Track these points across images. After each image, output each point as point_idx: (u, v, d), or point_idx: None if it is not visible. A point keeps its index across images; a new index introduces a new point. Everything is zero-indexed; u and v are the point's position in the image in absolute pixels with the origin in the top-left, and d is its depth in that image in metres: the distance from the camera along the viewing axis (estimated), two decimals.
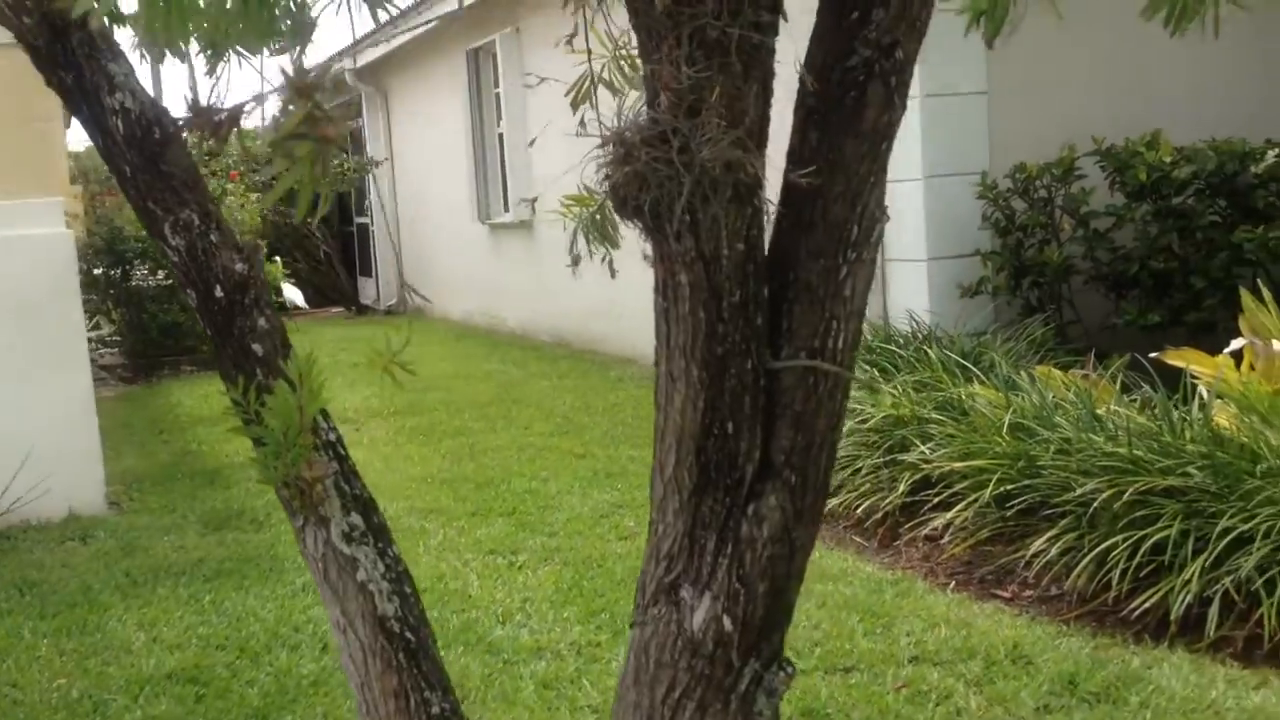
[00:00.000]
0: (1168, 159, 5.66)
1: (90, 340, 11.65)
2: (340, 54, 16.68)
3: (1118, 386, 4.91)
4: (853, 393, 5.55)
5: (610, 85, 2.08)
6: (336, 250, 17.29)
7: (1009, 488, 4.49)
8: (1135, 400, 4.71)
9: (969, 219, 6.27)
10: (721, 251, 1.51)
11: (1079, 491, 4.22)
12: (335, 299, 17.62)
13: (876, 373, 5.55)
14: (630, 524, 5.31)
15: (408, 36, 14.09)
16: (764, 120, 1.52)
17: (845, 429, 5.26)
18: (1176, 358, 4.98)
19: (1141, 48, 6.64)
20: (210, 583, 4.69)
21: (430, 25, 13.18)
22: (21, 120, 5.43)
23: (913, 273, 6.52)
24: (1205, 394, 4.67)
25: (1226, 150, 5.74)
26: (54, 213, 5.54)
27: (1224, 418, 4.51)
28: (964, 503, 4.59)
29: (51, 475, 5.46)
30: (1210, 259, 5.69)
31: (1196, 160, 5.70)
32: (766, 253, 1.64)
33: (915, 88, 6.25)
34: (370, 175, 17.16)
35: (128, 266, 11.02)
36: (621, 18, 1.69)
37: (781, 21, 1.53)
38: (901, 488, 4.85)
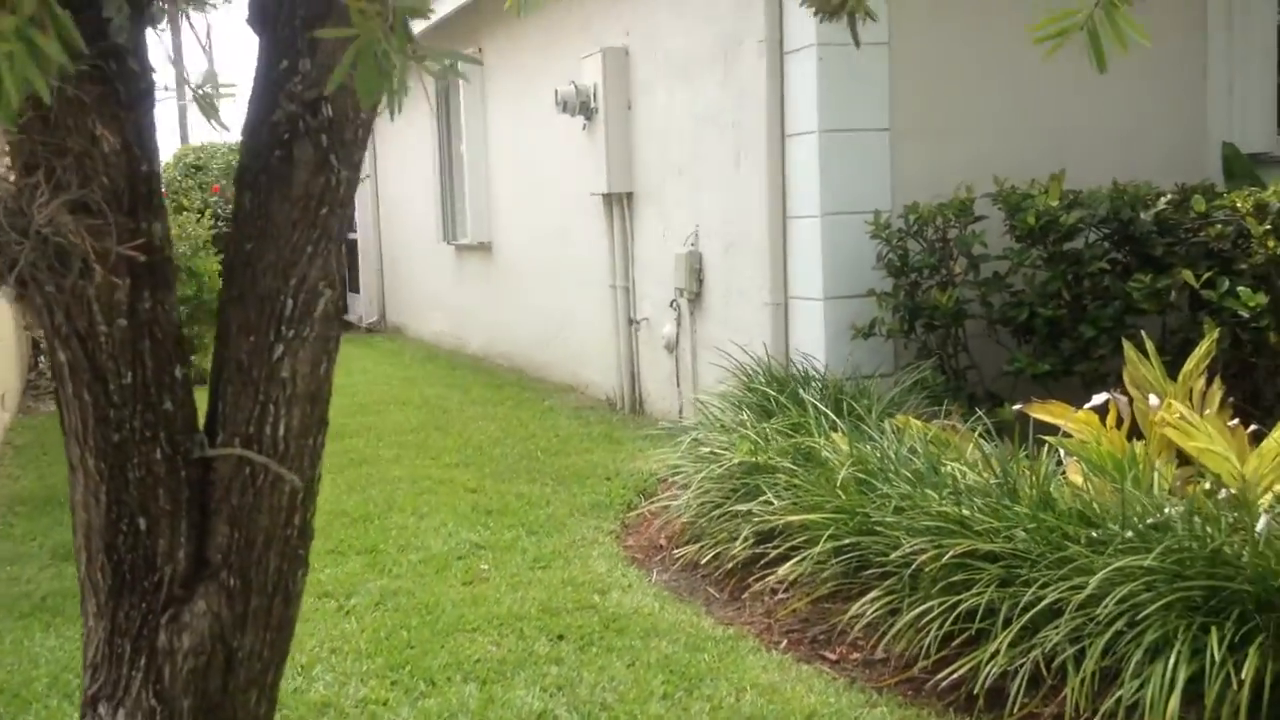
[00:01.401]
0: (1054, 203, 5.46)
1: None
2: None
3: (974, 439, 4.71)
4: (713, 435, 5.41)
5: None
6: None
7: (841, 543, 4.31)
8: (993, 455, 4.51)
9: (867, 259, 6.09)
10: (98, 329, 1.36)
11: (903, 550, 4.04)
12: None
13: (748, 414, 5.38)
14: (483, 566, 5.16)
15: None
16: (135, 181, 1.37)
17: (705, 473, 5.12)
18: (1040, 411, 4.79)
19: (1056, 87, 6.47)
20: (23, 619, 4.56)
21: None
22: None
23: (810, 312, 6.34)
24: (1061, 452, 4.49)
25: (1123, 195, 5.54)
26: None
27: (1077, 476, 4.32)
28: (799, 558, 4.41)
29: None
30: (1104, 307, 5.48)
31: (1089, 204, 5.50)
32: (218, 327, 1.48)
33: (813, 123, 6.11)
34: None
35: None
36: None
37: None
38: (743, 538, 4.67)
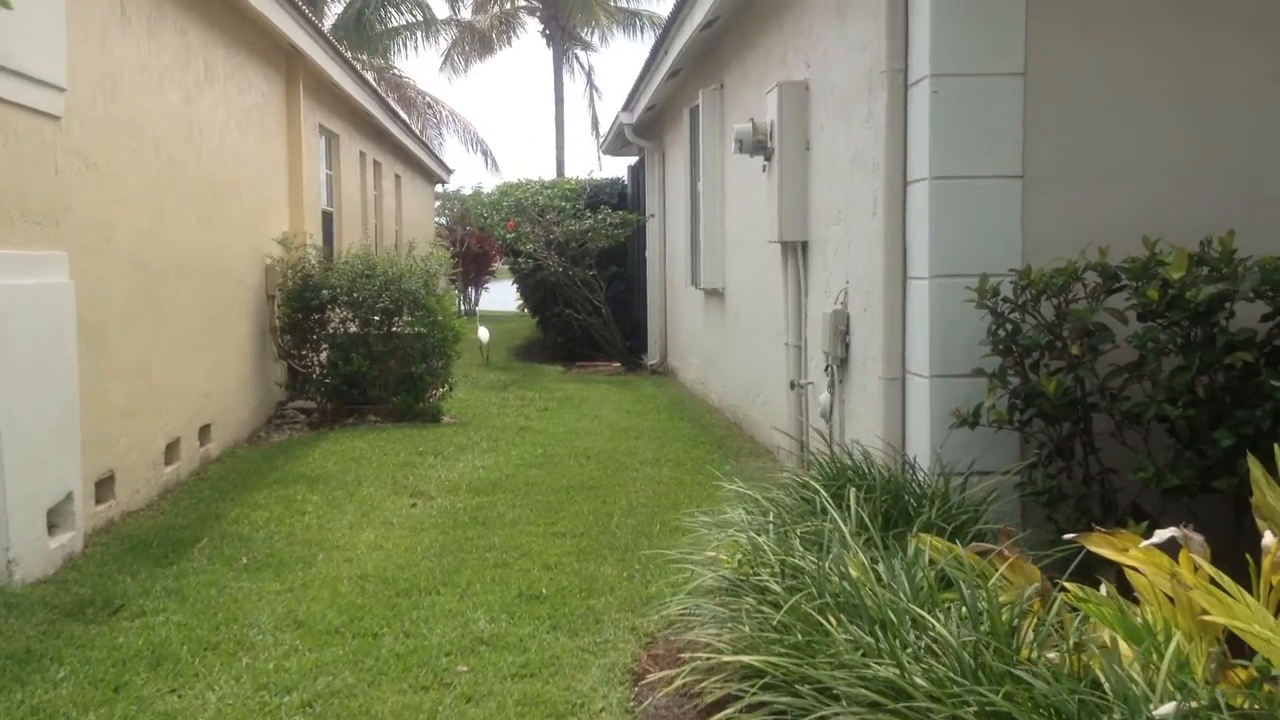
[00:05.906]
0: (1178, 274, 4.27)
1: (293, 382, 11.91)
2: (623, 109, 16.67)
3: (1018, 574, 3.67)
4: (707, 534, 4.57)
5: None
6: (605, 304, 17.24)
7: (771, 696, 3.42)
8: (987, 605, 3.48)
9: (979, 333, 5.05)
10: None
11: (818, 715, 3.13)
12: (612, 354, 17.58)
13: (775, 516, 4.51)
14: (461, 669, 4.58)
15: (651, 93, 13.84)
16: None
17: (696, 584, 4.32)
18: (1100, 543, 3.69)
19: (1256, 123, 5.19)
20: None
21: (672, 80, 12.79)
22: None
23: (919, 391, 5.35)
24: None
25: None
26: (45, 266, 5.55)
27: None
28: (742, 705, 3.55)
29: None
30: (1251, 409, 4.25)
31: (1237, 278, 4.26)
32: None
33: (925, 168, 5.15)
34: (643, 230, 17.06)
35: (318, 314, 11.21)
36: None
37: None
38: (706, 669, 3.85)
